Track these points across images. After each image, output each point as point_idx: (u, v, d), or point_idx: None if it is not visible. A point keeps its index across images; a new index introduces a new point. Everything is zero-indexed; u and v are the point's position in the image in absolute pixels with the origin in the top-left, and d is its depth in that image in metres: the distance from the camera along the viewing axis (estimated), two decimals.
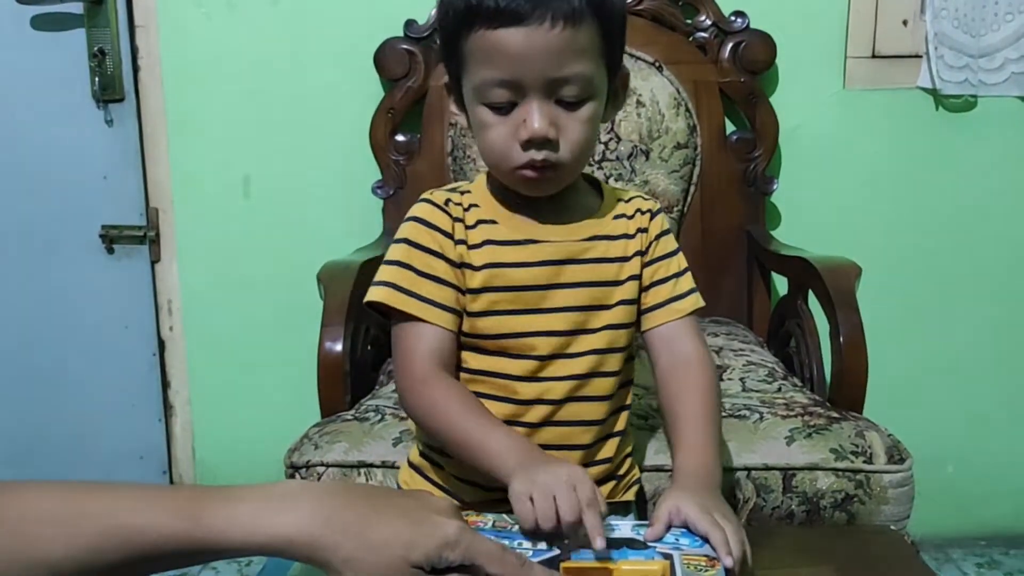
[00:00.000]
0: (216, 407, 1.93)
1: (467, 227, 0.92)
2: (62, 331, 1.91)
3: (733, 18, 1.68)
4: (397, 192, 1.72)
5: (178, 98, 1.81)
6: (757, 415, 1.19)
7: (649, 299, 0.96)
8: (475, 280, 0.90)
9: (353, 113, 1.74)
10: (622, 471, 0.99)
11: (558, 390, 0.91)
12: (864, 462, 1.11)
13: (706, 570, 0.76)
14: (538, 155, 0.85)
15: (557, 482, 0.76)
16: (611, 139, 1.63)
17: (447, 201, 0.93)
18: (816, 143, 1.76)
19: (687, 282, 0.97)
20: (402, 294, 0.89)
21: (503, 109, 0.86)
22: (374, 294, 0.90)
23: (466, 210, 0.93)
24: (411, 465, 1.01)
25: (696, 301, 0.97)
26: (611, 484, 0.97)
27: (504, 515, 0.85)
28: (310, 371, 1.30)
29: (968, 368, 1.84)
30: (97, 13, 1.77)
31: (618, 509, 0.99)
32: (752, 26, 1.68)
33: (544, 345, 0.91)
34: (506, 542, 0.78)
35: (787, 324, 1.50)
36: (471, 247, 0.91)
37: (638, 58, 1.64)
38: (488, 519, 0.83)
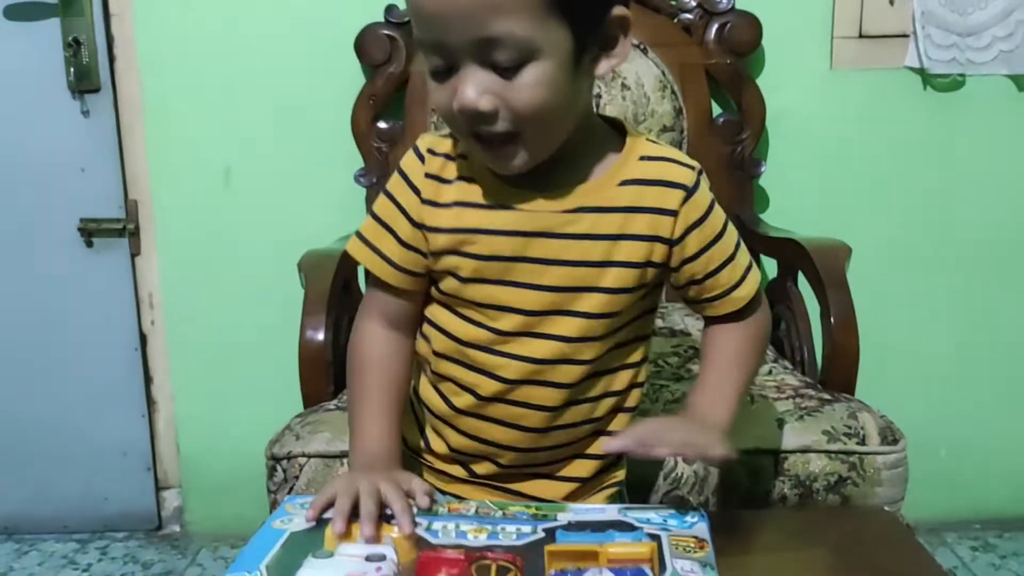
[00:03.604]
0: (199, 401, 1.90)
1: (441, 181, 0.85)
2: (42, 326, 1.87)
3: None
4: (380, 180, 1.69)
5: (155, 87, 1.78)
6: (748, 398, 1.17)
7: (706, 290, 0.86)
8: (438, 242, 0.84)
9: (334, 100, 1.71)
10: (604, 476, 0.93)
11: (514, 369, 0.85)
12: (857, 443, 1.10)
13: (695, 551, 0.74)
14: (478, 129, 0.77)
15: (371, 484, 0.77)
16: None
17: (429, 149, 0.86)
18: (804, 125, 1.74)
19: (744, 257, 0.86)
20: (368, 248, 0.88)
21: (441, 75, 0.77)
22: (350, 243, 0.89)
23: (451, 159, 0.85)
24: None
25: (755, 281, 0.87)
26: (598, 462, 0.92)
27: (487, 501, 0.84)
28: (294, 362, 1.28)
29: (960, 351, 1.83)
30: (72, 2, 1.74)
31: (606, 489, 0.95)
32: (737, 7, 1.66)
33: (506, 321, 0.84)
34: (489, 527, 0.77)
35: (777, 307, 1.48)
36: (440, 205, 0.85)
37: None
38: (471, 505, 0.82)
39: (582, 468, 0.91)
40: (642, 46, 1.63)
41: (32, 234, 1.84)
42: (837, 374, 1.22)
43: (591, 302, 0.83)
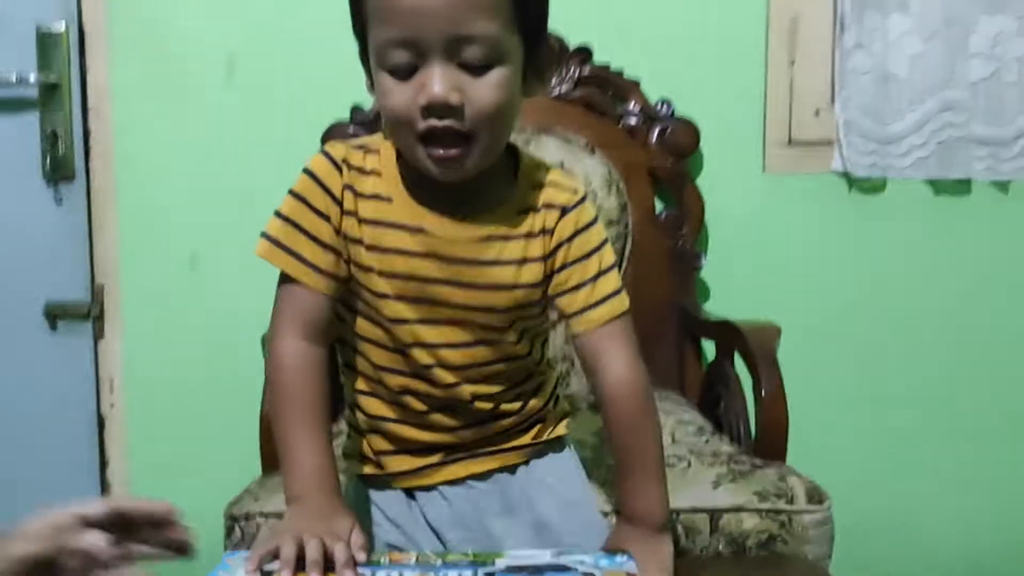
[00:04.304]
0: (156, 485, 1.91)
1: (358, 195, 0.88)
2: None
3: (659, 106, 1.80)
4: None
5: (128, 178, 1.86)
6: (685, 463, 1.24)
7: (564, 307, 0.92)
8: (361, 256, 0.89)
9: None
10: (544, 412, 1.00)
11: (418, 363, 0.91)
12: (786, 503, 1.17)
13: None
14: (439, 123, 0.80)
15: (313, 535, 0.77)
16: None
17: (344, 160, 0.88)
18: (740, 222, 1.86)
19: (607, 285, 0.92)
20: (282, 251, 0.88)
21: (403, 73, 0.81)
22: (259, 246, 0.89)
23: (365, 173, 0.88)
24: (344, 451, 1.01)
25: (616, 307, 0.92)
26: (537, 427, 0.99)
27: (426, 551, 0.89)
28: (253, 445, 1.32)
29: (887, 422, 1.91)
30: (52, 97, 1.83)
31: (553, 446, 1.01)
32: (677, 114, 1.80)
33: (407, 334, 0.91)
34: (431, 573, 0.80)
35: (716, 388, 1.57)
36: (361, 221, 0.88)
37: (571, 141, 1.74)
38: (412, 555, 0.86)
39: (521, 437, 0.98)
40: (590, 146, 1.76)
41: None
42: (769, 443, 1.30)
43: (497, 319, 0.92)
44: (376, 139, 0.93)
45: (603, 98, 1.80)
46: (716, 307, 1.81)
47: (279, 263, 0.88)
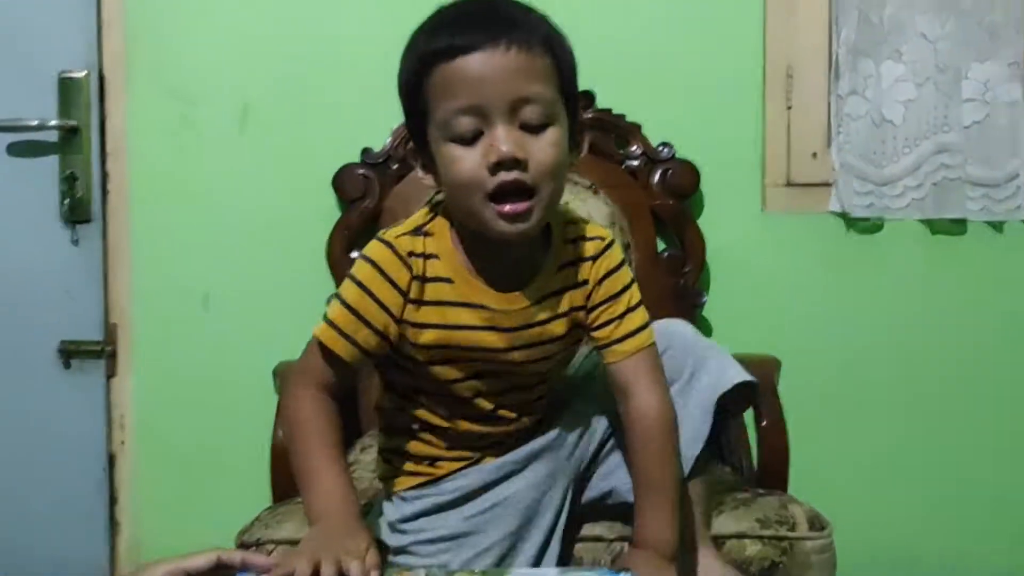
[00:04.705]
0: (164, 523, 1.93)
1: (423, 281, 0.97)
2: (11, 444, 1.91)
3: (661, 148, 1.85)
4: None
5: (144, 219, 1.90)
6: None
7: (597, 339, 1.03)
8: (426, 336, 0.97)
9: (311, 231, 1.84)
10: None
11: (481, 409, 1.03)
12: (788, 530, 1.19)
13: None
14: (508, 176, 0.89)
15: (329, 555, 0.82)
16: None
17: (410, 252, 0.96)
18: (741, 261, 1.90)
19: (635, 320, 1.02)
20: (340, 337, 0.96)
21: (469, 139, 0.90)
22: (320, 330, 0.97)
23: (426, 259, 0.97)
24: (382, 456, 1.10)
25: (643, 339, 1.01)
26: None
27: (434, 568, 0.91)
28: (263, 483, 1.34)
29: (888, 453, 1.94)
30: (71, 141, 1.88)
31: None
32: (678, 155, 1.84)
33: (475, 392, 1.02)
34: None
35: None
36: (424, 303, 0.97)
37: (576, 182, 1.79)
38: (419, 572, 0.89)
39: None
40: (593, 187, 1.80)
41: (11, 354, 1.91)
42: (770, 472, 1.33)
43: (548, 363, 1.05)
44: (417, 217, 1.01)
45: (606, 141, 1.85)
46: (718, 343, 1.84)
47: (337, 348, 0.96)
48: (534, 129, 0.90)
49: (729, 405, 1.11)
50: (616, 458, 1.09)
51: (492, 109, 0.88)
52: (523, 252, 0.98)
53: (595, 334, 1.02)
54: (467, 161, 0.90)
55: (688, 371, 1.10)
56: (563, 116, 0.93)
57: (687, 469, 1.06)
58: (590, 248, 1.03)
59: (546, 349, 1.02)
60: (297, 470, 0.96)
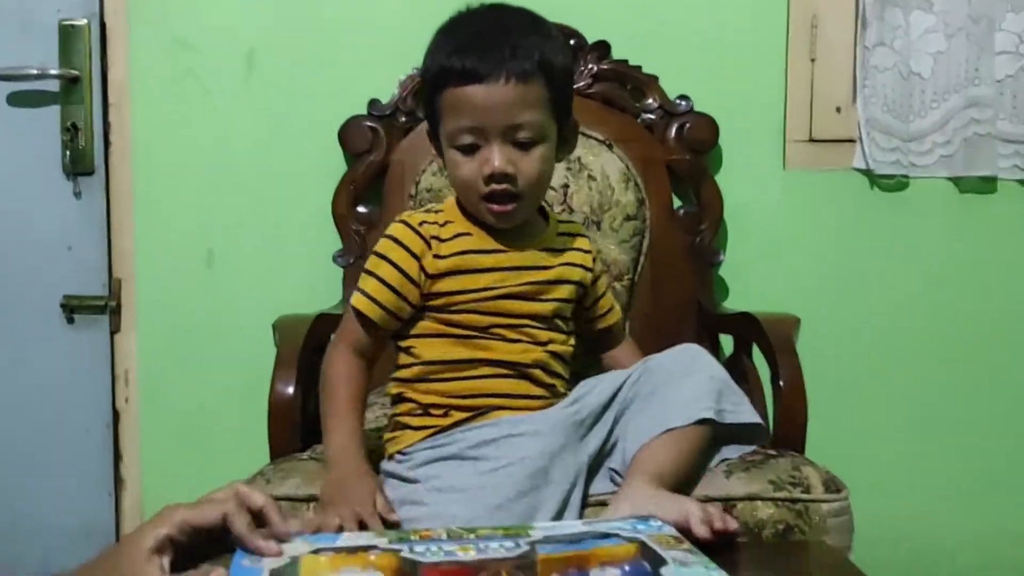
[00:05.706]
0: (169, 480, 1.91)
1: (442, 241, 1.14)
2: (15, 400, 1.89)
3: (678, 101, 1.78)
4: (357, 260, 1.76)
5: (146, 172, 1.87)
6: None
7: (598, 308, 1.30)
8: (439, 265, 1.13)
9: (316, 185, 1.80)
10: None
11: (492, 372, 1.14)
12: (801, 492, 1.14)
13: (678, 545, 0.81)
14: (499, 187, 1.09)
15: (351, 510, 0.98)
16: (564, 209, 1.70)
17: (421, 223, 1.14)
18: (759, 219, 1.85)
19: (610, 298, 1.34)
20: (373, 304, 1.13)
21: (469, 151, 1.09)
22: (358, 301, 1.13)
23: (441, 226, 1.14)
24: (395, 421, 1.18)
25: (618, 312, 1.35)
26: None
27: (456, 527, 0.87)
28: (264, 434, 1.31)
29: (908, 418, 1.90)
30: (72, 91, 1.84)
31: None
32: (696, 109, 1.78)
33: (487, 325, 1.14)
34: (472, 546, 0.79)
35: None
36: (445, 256, 1.13)
37: (590, 136, 1.72)
38: (442, 531, 0.85)
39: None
40: (608, 142, 1.74)
41: (14, 309, 1.89)
42: (786, 433, 1.27)
43: (542, 307, 1.17)
44: (434, 205, 1.22)
45: (621, 93, 1.79)
46: (734, 304, 1.79)
47: (372, 315, 1.13)
48: (524, 146, 1.08)
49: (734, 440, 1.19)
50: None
51: (489, 131, 1.07)
52: (526, 222, 1.18)
53: (596, 304, 1.30)
54: (466, 168, 1.10)
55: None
56: (551, 131, 1.11)
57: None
58: (576, 228, 1.28)
59: (540, 287, 1.16)
60: (323, 420, 1.11)
